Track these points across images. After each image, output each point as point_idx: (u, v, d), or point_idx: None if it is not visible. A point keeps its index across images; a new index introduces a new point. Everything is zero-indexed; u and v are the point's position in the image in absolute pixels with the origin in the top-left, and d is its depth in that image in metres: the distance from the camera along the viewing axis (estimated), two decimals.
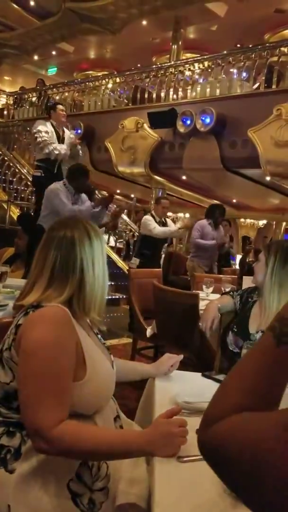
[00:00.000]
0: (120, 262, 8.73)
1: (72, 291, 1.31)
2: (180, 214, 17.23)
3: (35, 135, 5.79)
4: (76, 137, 6.55)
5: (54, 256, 1.32)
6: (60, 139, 5.94)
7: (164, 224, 6.03)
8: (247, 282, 2.84)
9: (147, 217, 6.05)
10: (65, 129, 6.13)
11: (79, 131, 10.54)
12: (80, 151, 6.43)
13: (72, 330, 1.27)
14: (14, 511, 1.16)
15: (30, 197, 9.49)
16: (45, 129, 5.80)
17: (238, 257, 10.97)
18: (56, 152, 5.68)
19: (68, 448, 1.14)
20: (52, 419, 1.14)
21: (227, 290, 2.98)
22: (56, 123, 5.90)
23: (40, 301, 1.28)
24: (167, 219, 6.24)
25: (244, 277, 3.45)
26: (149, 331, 3.68)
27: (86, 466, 1.23)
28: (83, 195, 4.95)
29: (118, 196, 14.56)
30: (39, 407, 1.15)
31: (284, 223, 14.78)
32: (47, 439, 1.12)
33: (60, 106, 6.09)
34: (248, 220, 15.88)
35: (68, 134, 6.15)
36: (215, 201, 11.54)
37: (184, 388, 1.63)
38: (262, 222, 15.87)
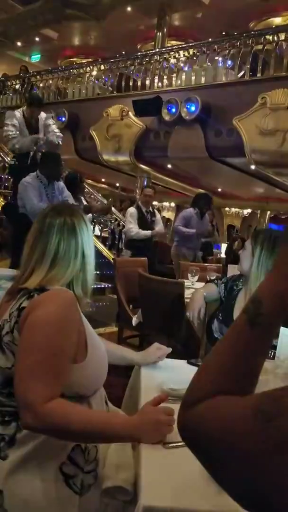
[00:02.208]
0: (105, 252, 8.71)
1: (73, 274, 1.37)
2: (165, 203, 17.25)
3: (4, 128, 5.60)
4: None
5: (56, 242, 1.36)
6: (32, 128, 5.74)
7: (152, 214, 6.06)
8: (232, 270, 2.86)
9: (130, 211, 6.03)
10: (40, 116, 5.87)
11: (63, 119, 10.43)
12: (59, 140, 6.15)
13: (77, 312, 1.31)
14: (6, 496, 1.17)
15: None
16: (11, 122, 5.61)
17: (224, 245, 11.03)
18: (17, 146, 5.49)
19: (54, 426, 1.15)
20: (44, 394, 1.15)
21: (212, 278, 2.99)
22: (28, 115, 5.72)
23: (43, 284, 1.31)
24: (155, 210, 6.24)
25: (229, 265, 3.47)
26: (134, 320, 3.69)
27: (79, 449, 1.24)
28: (60, 184, 4.83)
29: (103, 185, 14.51)
30: (33, 381, 1.16)
31: (268, 212, 14.89)
32: (36, 414, 1.13)
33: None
34: (233, 209, 15.95)
35: (43, 119, 5.88)
36: (201, 190, 11.56)
37: (170, 376, 1.64)
38: (246, 211, 15.96)
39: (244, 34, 8.80)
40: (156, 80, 9.80)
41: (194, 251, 6.42)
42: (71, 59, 17.52)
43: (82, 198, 5.61)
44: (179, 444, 1.19)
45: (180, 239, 6.35)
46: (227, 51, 8.75)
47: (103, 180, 14.09)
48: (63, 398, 1.21)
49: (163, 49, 10.60)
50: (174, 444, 1.19)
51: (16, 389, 1.19)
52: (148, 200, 6.05)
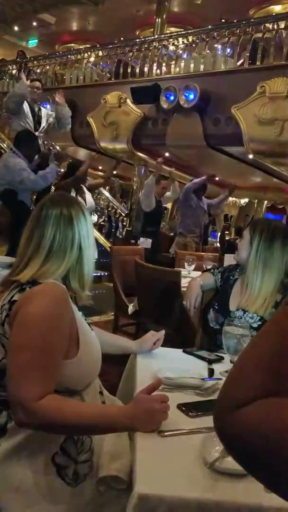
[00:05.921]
0: (101, 239, 8.70)
1: (69, 267, 1.34)
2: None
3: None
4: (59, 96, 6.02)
5: (52, 233, 1.33)
6: (36, 117, 5.77)
7: (162, 203, 6.09)
8: (229, 260, 2.85)
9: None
10: (42, 107, 5.95)
11: None
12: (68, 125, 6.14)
13: (69, 307, 1.29)
14: None
15: None
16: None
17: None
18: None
19: (49, 422, 1.15)
20: (36, 392, 1.14)
21: (209, 267, 2.99)
22: (31, 100, 5.74)
23: (36, 277, 1.29)
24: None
25: (226, 255, 3.47)
26: (131, 308, 3.70)
27: (72, 440, 1.24)
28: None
29: (100, 173, 14.41)
30: (25, 379, 1.15)
31: (265, 202, 14.87)
32: (29, 412, 1.13)
33: (34, 83, 5.85)
34: (230, 198, 15.89)
35: (45, 112, 5.97)
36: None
37: (166, 364, 1.64)
38: (244, 200, 15.92)
39: (244, 22, 8.67)
40: (154, 67, 9.68)
41: (199, 236, 6.49)
42: (69, 45, 17.31)
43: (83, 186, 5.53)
44: (175, 432, 1.20)
45: (185, 225, 6.35)
46: (227, 38, 8.65)
47: (100, 167, 14.01)
48: (54, 393, 1.20)
49: (162, 36, 10.45)
50: (170, 433, 1.19)
51: (8, 386, 1.18)
52: (163, 192, 6.04)
